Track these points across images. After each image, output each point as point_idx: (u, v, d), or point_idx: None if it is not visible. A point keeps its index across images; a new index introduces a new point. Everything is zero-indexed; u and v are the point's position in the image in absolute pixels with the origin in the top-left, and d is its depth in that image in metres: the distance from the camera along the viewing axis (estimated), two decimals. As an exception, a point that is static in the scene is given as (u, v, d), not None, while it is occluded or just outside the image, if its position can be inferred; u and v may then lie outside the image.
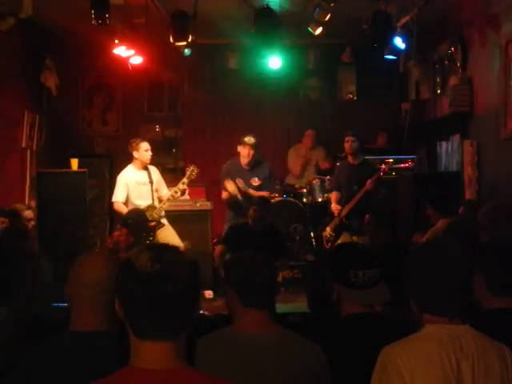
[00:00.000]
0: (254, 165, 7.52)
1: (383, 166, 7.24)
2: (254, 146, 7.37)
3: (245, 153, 7.40)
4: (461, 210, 5.93)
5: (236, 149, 7.55)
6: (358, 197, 7.17)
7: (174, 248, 1.76)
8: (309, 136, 9.21)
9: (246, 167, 7.50)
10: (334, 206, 7.47)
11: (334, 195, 7.59)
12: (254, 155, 7.42)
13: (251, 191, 7.41)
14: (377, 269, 2.81)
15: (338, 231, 7.37)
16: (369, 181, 7.09)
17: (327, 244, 7.48)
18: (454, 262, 2.17)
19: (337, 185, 7.63)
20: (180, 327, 1.70)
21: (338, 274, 2.79)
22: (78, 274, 2.42)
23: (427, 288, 2.18)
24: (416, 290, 2.23)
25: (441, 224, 5.87)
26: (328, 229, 7.49)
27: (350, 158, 7.50)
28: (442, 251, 2.21)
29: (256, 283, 2.59)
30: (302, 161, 9.24)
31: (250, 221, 6.67)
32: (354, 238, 7.02)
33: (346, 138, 7.41)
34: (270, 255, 2.76)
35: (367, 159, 7.62)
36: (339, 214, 7.36)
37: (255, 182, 7.47)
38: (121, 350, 2.00)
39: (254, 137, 7.42)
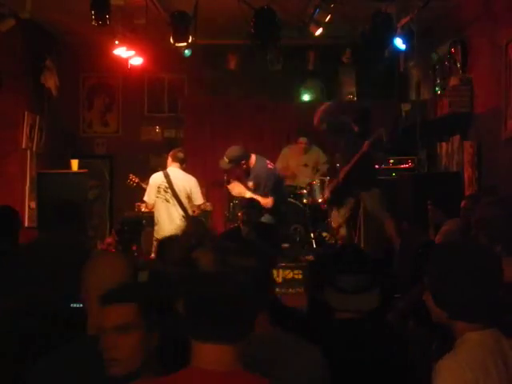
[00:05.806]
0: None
1: None
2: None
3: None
4: (463, 203, 5.84)
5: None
6: None
7: (240, 250, 1.74)
8: (301, 144, 9.03)
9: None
10: None
11: None
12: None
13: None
14: (369, 274, 2.75)
15: None
16: None
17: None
18: (488, 266, 2.08)
19: None
20: (240, 331, 1.69)
21: (329, 278, 2.71)
22: (96, 275, 2.33)
23: (464, 297, 2.06)
24: (450, 299, 2.09)
25: (453, 225, 5.80)
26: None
27: None
28: (473, 256, 2.10)
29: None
30: (291, 168, 9.00)
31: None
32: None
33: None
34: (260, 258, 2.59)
35: None
36: None
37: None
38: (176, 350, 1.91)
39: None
